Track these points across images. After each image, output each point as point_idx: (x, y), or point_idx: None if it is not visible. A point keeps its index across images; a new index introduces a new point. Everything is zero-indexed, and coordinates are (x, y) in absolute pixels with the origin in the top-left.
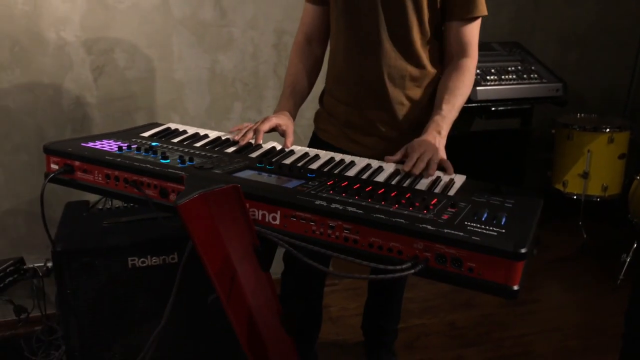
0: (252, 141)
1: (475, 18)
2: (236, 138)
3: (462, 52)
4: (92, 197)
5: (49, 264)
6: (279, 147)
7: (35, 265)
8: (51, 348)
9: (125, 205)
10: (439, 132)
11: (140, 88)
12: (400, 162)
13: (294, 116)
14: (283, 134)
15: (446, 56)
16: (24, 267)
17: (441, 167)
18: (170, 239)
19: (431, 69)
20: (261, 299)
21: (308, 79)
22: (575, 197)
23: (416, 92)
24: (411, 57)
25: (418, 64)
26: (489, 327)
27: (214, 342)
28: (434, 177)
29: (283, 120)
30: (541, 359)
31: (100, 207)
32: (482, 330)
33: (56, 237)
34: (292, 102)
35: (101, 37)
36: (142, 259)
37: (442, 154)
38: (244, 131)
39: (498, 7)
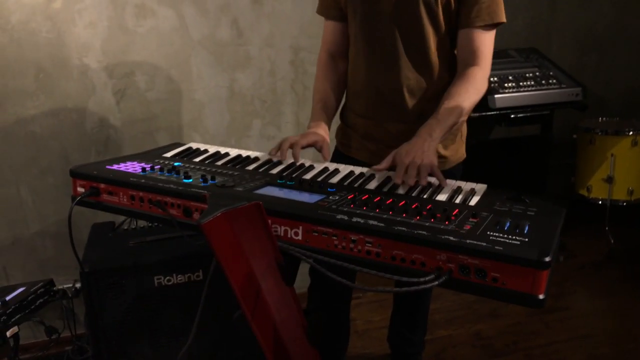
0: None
1: (489, 26)
2: (277, 158)
3: (472, 60)
4: (118, 218)
5: (78, 285)
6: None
7: (65, 286)
8: None
9: (150, 225)
10: (430, 135)
11: (161, 109)
12: (391, 169)
13: (327, 129)
14: (320, 150)
15: (457, 64)
16: (54, 288)
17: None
18: (195, 257)
19: (448, 81)
20: (286, 313)
21: (335, 95)
22: (600, 202)
23: (434, 104)
24: (429, 69)
25: (437, 75)
26: (516, 337)
27: (240, 358)
28: (454, 187)
29: (319, 136)
30: None
31: (125, 227)
32: (510, 340)
33: (84, 258)
34: (325, 116)
35: (122, 60)
36: (167, 277)
37: (433, 158)
38: (283, 149)
39: (513, 14)
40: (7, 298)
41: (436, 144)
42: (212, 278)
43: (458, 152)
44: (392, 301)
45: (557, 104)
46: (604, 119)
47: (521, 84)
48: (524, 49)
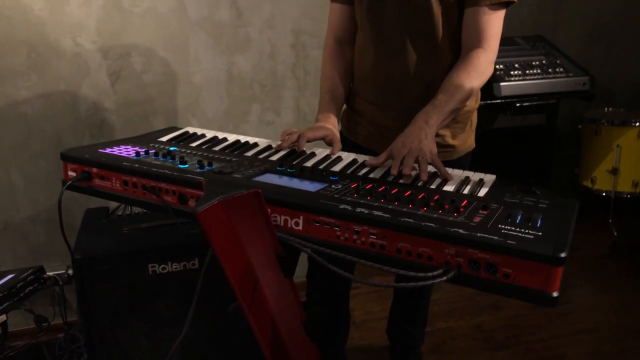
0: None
1: (497, 5)
2: (282, 144)
3: (476, 42)
4: (112, 203)
5: (70, 271)
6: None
7: (57, 272)
8: (74, 357)
9: (145, 211)
10: (427, 122)
11: (157, 92)
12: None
13: (337, 122)
14: (330, 143)
15: (462, 43)
16: (44, 275)
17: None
18: (191, 245)
19: None
20: (284, 305)
21: (343, 84)
22: (604, 194)
23: None
24: (438, 55)
25: (446, 62)
26: (518, 330)
27: (236, 349)
28: (462, 177)
29: (329, 130)
30: None
31: (119, 213)
32: (511, 333)
33: (76, 244)
34: (334, 108)
35: (117, 41)
36: (162, 266)
37: (431, 146)
38: (292, 136)
39: (520, 1)
40: None
41: (434, 130)
42: (208, 268)
43: (467, 141)
44: (393, 292)
45: (563, 93)
46: (610, 109)
47: (527, 72)
48: (531, 36)
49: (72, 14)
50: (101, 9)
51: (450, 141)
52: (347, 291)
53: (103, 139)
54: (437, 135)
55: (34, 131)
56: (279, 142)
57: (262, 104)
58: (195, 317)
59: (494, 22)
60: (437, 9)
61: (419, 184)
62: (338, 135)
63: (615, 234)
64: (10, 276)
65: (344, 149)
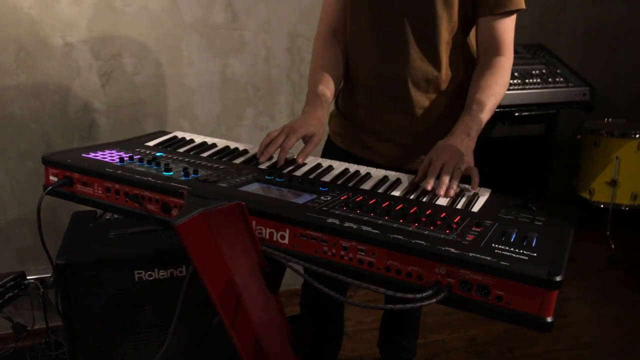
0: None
1: (510, 12)
2: (260, 158)
3: (496, 50)
4: None
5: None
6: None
7: (43, 275)
8: None
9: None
10: (468, 134)
11: (149, 94)
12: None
13: (324, 117)
14: (306, 142)
15: (478, 54)
16: (24, 281)
17: (467, 178)
18: (179, 252)
19: (455, 72)
20: (268, 322)
21: (335, 74)
22: (602, 205)
23: (438, 96)
24: (438, 60)
25: (445, 67)
26: (512, 343)
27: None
28: (457, 190)
29: (311, 127)
30: None
31: (107, 217)
32: (505, 346)
33: (61, 248)
34: (322, 101)
35: (109, 41)
36: (149, 272)
37: (470, 159)
38: (272, 146)
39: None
40: None
41: (474, 144)
42: (191, 280)
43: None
44: (385, 302)
45: (563, 104)
46: (610, 120)
47: (527, 81)
48: (531, 45)
49: (63, 13)
50: (92, 8)
51: None
52: (341, 303)
53: (92, 140)
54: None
55: (22, 131)
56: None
57: (256, 108)
58: (180, 326)
59: (510, 29)
60: (442, 14)
61: (412, 197)
62: (321, 130)
63: (613, 246)
64: None
65: (328, 152)
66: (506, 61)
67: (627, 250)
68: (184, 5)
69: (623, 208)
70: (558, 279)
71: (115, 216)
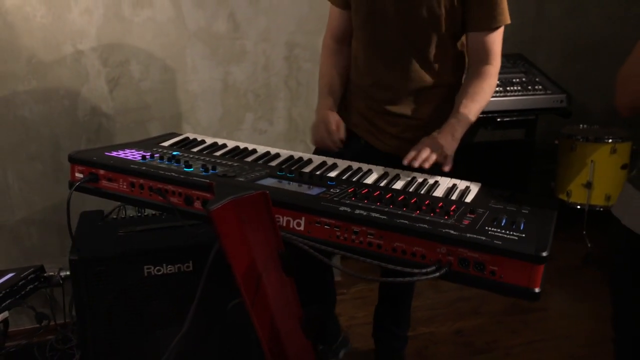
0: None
1: (497, 28)
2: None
3: (484, 60)
4: (107, 207)
5: (62, 273)
6: (282, 152)
7: (49, 274)
8: (65, 357)
9: (140, 214)
10: (453, 135)
11: (154, 99)
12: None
13: (335, 109)
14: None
15: (468, 63)
16: (44, 274)
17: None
18: (186, 248)
19: (448, 79)
20: (283, 303)
21: (341, 79)
22: (579, 207)
23: (432, 101)
24: (430, 69)
25: (437, 76)
26: (496, 335)
27: (229, 350)
28: (450, 185)
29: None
30: None
31: (114, 216)
32: (490, 338)
33: (72, 245)
34: (332, 100)
35: (117, 49)
36: (157, 267)
37: (451, 155)
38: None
39: None
40: None
41: (457, 144)
42: (211, 267)
43: None
44: (377, 296)
45: (542, 110)
46: (585, 126)
47: (508, 88)
48: (511, 54)
49: (74, 22)
50: (102, 17)
51: None
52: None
53: (99, 143)
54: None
55: (31, 134)
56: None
57: (256, 113)
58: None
59: (498, 41)
60: (430, 29)
61: (411, 190)
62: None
63: (589, 245)
64: (10, 275)
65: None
66: (493, 69)
67: (602, 249)
68: (189, 15)
69: (598, 209)
70: (544, 254)
71: (122, 215)
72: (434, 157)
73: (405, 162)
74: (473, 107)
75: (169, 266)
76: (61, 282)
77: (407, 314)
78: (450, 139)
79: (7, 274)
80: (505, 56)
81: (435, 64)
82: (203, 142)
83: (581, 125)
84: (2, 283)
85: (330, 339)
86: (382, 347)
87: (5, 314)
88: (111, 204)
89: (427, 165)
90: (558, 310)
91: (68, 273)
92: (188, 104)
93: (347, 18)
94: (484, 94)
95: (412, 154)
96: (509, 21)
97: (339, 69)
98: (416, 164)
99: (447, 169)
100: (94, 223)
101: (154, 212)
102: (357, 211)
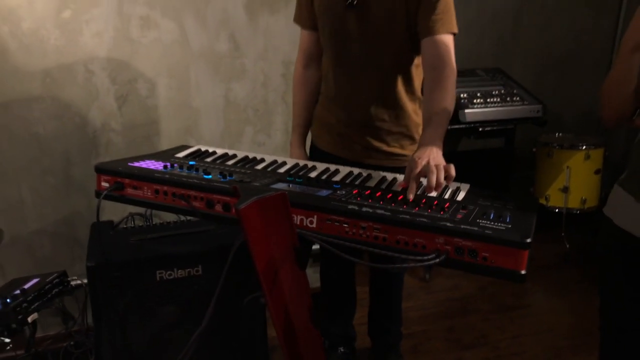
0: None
1: (448, 33)
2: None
3: (439, 64)
4: (116, 218)
5: (74, 282)
6: (288, 161)
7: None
8: None
9: (148, 224)
10: (434, 143)
11: (160, 115)
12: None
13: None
14: None
15: (426, 71)
16: (68, 279)
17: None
18: (195, 253)
19: (410, 88)
20: (297, 294)
21: (309, 105)
22: (557, 210)
23: (400, 112)
24: (391, 79)
25: (398, 84)
26: (485, 331)
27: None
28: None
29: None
30: (535, 357)
31: (124, 226)
32: (479, 334)
33: (88, 254)
34: (300, 136)
35: (125, 68)
36: (169, 272)
37: (442, 161)
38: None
39: (481, 36)
40: (26, 287)
41: (441, 150)
42: (230, 266)
43: None
44: (369, 298)
45: (520, 119)
46: (560, 134)
47: (488, 100)
48: (490, 68)
49: (86, 44)
50: (112, 40)
51: (400, 151)
52: (351, 275)
53: (108, 157)
54: (388, 146)
55: (45, 150)
56: (284, 159)
57: (255, 127)
58: (198, 323)
59: (451, 46)
60: (391, 46)
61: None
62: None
63: (568, 246)
64: (35, 280)
65: (314, 156)
66: (449, 71)
67: (579, 249)
68: (192, 36)
69: (575, 212)
70: (528, 240)
71: (132, 225)
72: (441, 177)
73: (412, 196)
74: (443, 114)
75: (180, 270)
76: (84, 288)
77: (398, 309)
78: (435, 149)
79: (31, 280)
80: (484, 70)
81: (397, 76)
82: (215, 152)
83: (557, 134)
84: (30, 286)
85: (344, 342)
86: (378, 344)
87: (35, 315)
88: (119, 215)
89: (440, 189)
90: (540, 307)
91: (79, 282)
92: (192, 119)
93: (316, 39)
94: (449, 99)
95: (411, 193)
96: (456, 30)
97: (308, 96)
98: (436, 192)
99: (453, 173)
100: (105, 233)
101: (161, 222)
102: (364, 209)
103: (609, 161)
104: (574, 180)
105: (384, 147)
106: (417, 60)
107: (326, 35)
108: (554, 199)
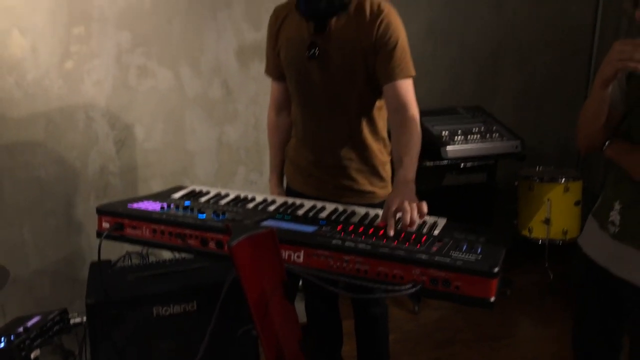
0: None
1: (406, 77)
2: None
3: (402, 106)
4: (114, 257)
5: (72, 321)
6: (277, 199)
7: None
8: None
9: (144, 262)
10: (407, 184)
11: (156, 158)
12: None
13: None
14: None
15: (390, 114)
16: (68, 317)
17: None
18: (190, 289)
19: (374, 129)
20: (286, 326)
21: (283, 148)
22: (540, 241)
23: (366, 152)
24: (355, 121)
25: (361, 126)
26: None
27: None
28: (420, 221)
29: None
30: None
31: (121, 264)
32: None
33: (87, 292)
34: (277, 176)
35: (124, 114)
36: (165, 308)
37: (416, 200)
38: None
39: (461, 76)
40: (28, 324)
41: (414, 189)
42: (223, 302)
43: (385, 188)
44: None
45: (500, 155)
46: (541, 167)
47: (469, 137)
48: (471, 106)
49: (87, 92)
50: (111, 87)
51: (370, 188)
52: (335, 308)
53: (107, 199)
54: (358, 184)
55: (46, 193)
56: (273, 197)
57: (247, 166)
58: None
59: (411, 89)
60: (352, 94)
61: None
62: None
63: (551, 276)
64: (37, 318)
65: (290, 196)
66: (412, 111)
67: (563, 279)
68: (187, 83)
69: (557, 242)
70: (496, 270)
71: (129, 263)
72: (414, 215)
73: (392, 232)
74: (413, 154)
75: (176, 306)
76: (84, 326)
77: (385, 347)
78: (409, 189)
79: (33, 318)
80: (465, 108)
81: (361, 119)
82: (208, 192)
83: (537, 167)
84: (33, 324)
85: None
86: None
87: (37, 352)
88: (117, 254)
89: (414, 226)
90: (525, 336)
91: (78, 320)
92: (187, 161)
93: (285, 88)
94: (416, 139)
95: (390, 229)
96: (413, 73)
97: (280, 140)
98: (414, 227)
99: (425, 209)
100: (104, 271)
101: (157, 259)
102: (347, 243)
103: (588, 192)
104: (555, 212)
105: (355, 186)
106: (379, 103)
107: (293, 84)
108: (537, 230)
